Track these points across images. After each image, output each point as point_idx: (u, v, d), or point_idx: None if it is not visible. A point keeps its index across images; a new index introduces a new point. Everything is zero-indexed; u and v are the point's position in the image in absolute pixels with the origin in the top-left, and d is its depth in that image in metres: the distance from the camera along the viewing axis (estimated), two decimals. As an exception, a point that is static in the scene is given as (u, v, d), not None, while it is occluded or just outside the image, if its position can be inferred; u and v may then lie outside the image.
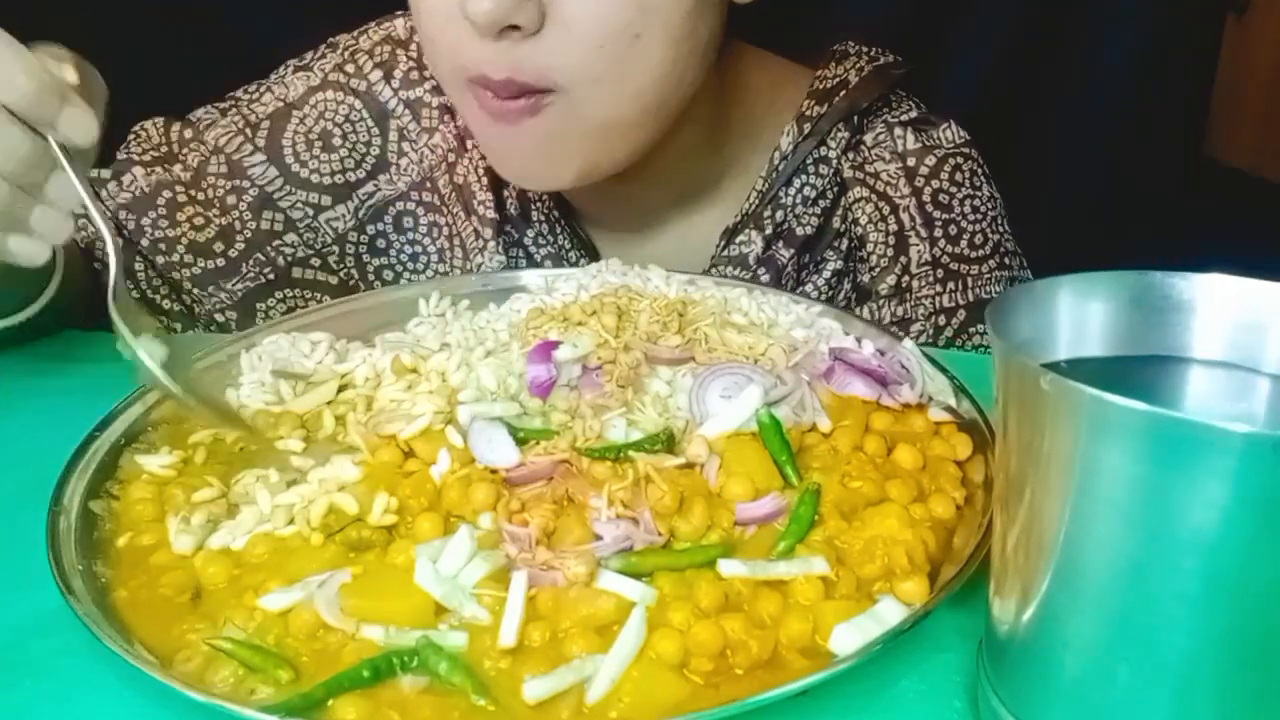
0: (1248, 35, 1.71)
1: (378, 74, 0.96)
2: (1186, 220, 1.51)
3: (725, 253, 0.93)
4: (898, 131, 0.94)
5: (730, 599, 0.51)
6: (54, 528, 0.56)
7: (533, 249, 0.95)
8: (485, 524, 0.55)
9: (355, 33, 0.99)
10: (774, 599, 0.51)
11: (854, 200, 0.93)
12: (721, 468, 0.58)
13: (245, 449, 0.64)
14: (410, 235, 0.97)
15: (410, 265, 0.97)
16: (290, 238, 0.95)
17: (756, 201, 0.93)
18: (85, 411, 0.66)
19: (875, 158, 0.93)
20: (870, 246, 0.92)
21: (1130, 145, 1.52)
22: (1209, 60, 1.64)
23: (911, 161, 0.93)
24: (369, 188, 0.96)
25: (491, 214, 0.93)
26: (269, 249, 0.95)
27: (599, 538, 0.54)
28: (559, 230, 0.95)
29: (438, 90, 0.95)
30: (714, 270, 0.92)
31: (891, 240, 0.92)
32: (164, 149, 0.95)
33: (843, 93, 0.93)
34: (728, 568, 0.52)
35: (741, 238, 0.93)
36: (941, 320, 0.90)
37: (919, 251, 0.91)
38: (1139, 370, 0.46)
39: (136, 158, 0.94)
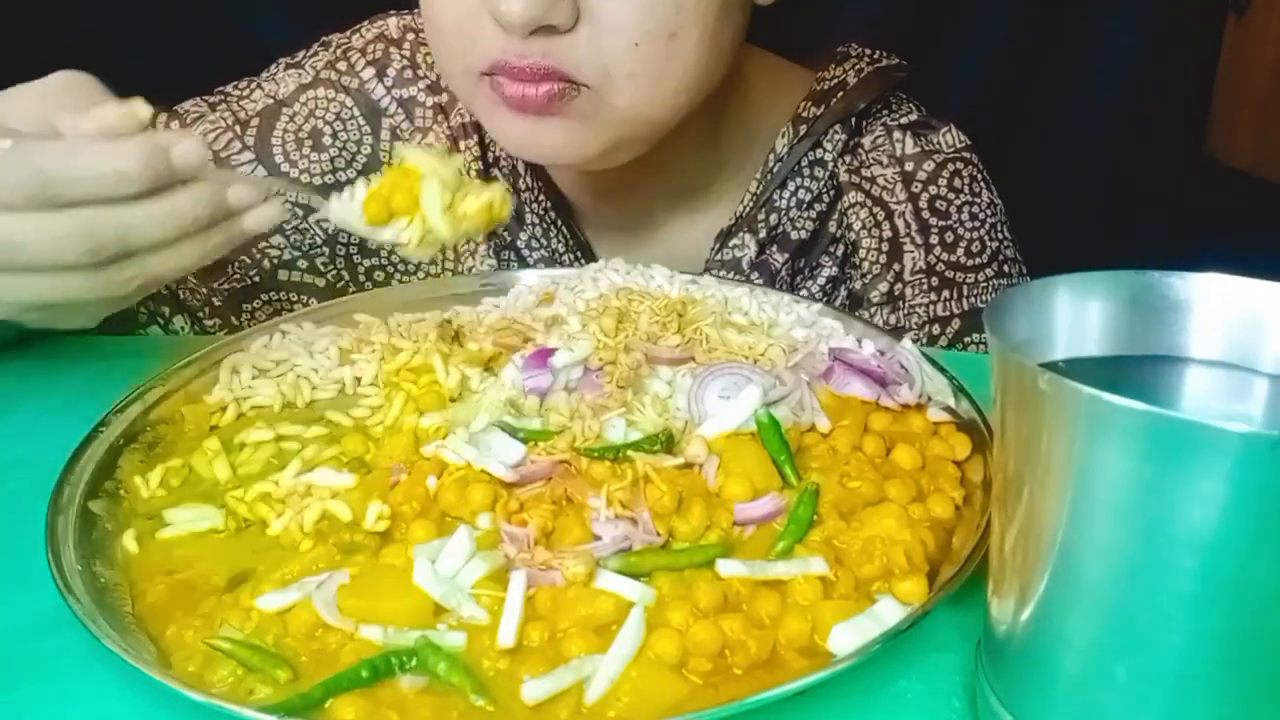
0: (1248, 35, 1.71)
1: (370, 71, 0.95)
2: (1186, 220, 1.51)
3: (719, 257, 0.92)
4: (896, 135, 0.93)
5: (729, 599, 0.51)
6: (54, 528, 0.56)
7: (525, 252, 0.94)
8: (484, 524, 0.55)
9: (348, 31, 0.99)
10: (773, 599, 0.51)
11: (849, 205, 0.92)
12: (720, 468, 0.58)
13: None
14: None
15: (401, 267, 0.96)
16: (277, 239, 0.94)
17: (750, 204, 0.92)
18: (85, 411, 0.66)
19: (872, 161, 0.92)
20: (863, 253, 0.91)
21: (1130, 145, 1.52)
22: (1209, 60, 1.64)
23: (909, 166, 0.92)
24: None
25: None
26: (255, 251, 0.93)
27: (598, 538, 0.54)
28: (553, 233, 0.95)
29: (432, 89, 0.95)
30: (708, 275, 0.92)
31: (885, 247, 0.91)
32: None
33: (840, 94, 0.92)
34: (726, 568, 0.52)
35: (735, 241, 0.92)
36: (936, 329, 0.89)
37: (913, 259, 0.90)
38: (1137, 370, 0.46)
39: None
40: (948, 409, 0.65)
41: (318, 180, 0.94)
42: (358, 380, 0.69)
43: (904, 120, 0.94)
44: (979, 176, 0.94)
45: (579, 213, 0.97)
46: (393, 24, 0.98)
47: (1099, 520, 0.39)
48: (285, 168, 0.94)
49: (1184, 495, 0.36)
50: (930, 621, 0.50)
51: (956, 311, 0.89)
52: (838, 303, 0.95)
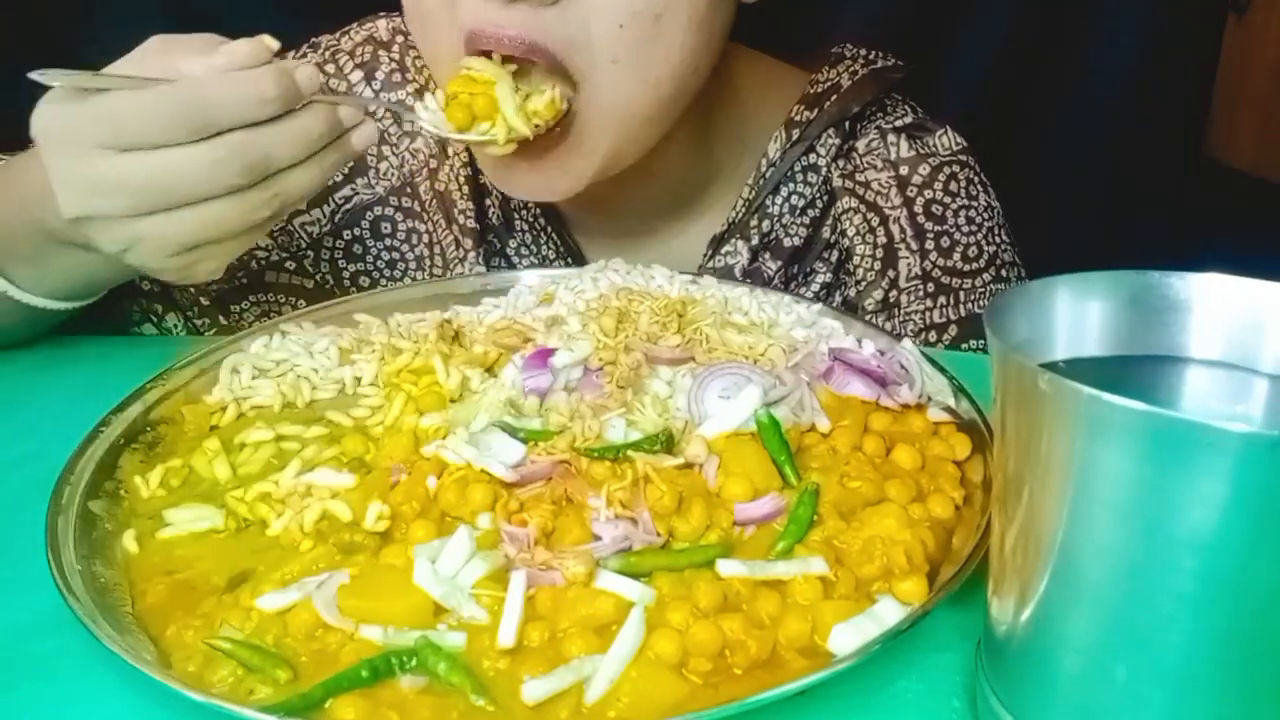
0: (1248, 35, 1.70)
1: (358, 74, 0.95)
2: (1186, 220, 1.51)
3: (711, 264, 0.91)
4: (891, 138, 0.91)
5: (729, 599, 0.51)
6: (54, 528, 0.56)
7: (515, 258, 0.94)
8: (484, 524, 0.55)
9: (337, 33, 0.98)
10: (773, 599, 0.51)
11: (843, 210, 0.90)
12: (720, 468, 0.58)
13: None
14: (388, 241, 0.95)
15: (387, 272, 0.95)
16: (264, 240, 0.93)
17: (743, 210, 0.91)
18: (85, 411, 0.66)
19: (867, 165, 0.91)
20: (857, 259, 0.90)
21: (1130, 145, 1.52)
22: (1209, 60, 1.64)
23: (904, 170, 0.90)
24: (345, 191, 0.94)
25: (472, 224, 0.91)
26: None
27: (598, 538, 0.54)
28: (544, 239, 0.94)
29: (420, 93, 0.94)
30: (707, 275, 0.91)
31: (879, 253, 0.89)
32: None
33: (833, 97, 0.90)
34: (726, 568, 0.52)
35: (728, 248, 0.91)
36: (932, 336, 0.88)
37: (908, 265, 0.88)
38: (1137, 370, 0.46)
39: None
40: (948, 409, 0.65)
41: None
42: (358, 380, 0.69)
43: (899, 123, 0.92)
44: (976, 179, 0.92)
45: (569, 220, 0.96)
46: (382, 26, 0.97)
47: (1099, 520, 0.39)
48: None
49: (1184, 495, 0.36)
50: (930, 621, 0.50)
51: (953, 318, 0.88)
52: None
